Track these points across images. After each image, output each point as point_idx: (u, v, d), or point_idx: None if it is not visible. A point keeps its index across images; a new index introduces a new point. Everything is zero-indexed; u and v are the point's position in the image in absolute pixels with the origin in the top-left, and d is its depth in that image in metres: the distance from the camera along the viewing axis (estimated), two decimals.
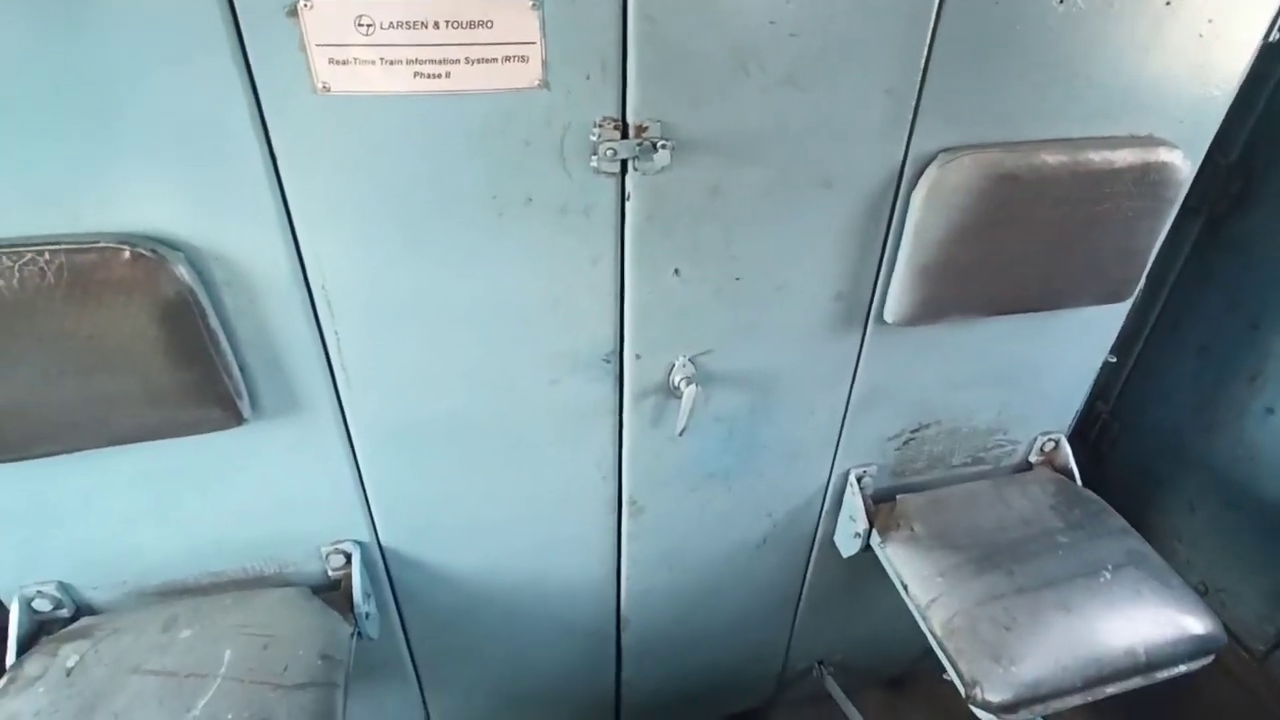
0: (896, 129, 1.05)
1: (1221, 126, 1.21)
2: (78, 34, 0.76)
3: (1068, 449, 1.54)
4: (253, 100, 0.84)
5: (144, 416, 0.98)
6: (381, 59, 0.84)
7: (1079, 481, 1.53)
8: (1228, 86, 1.17)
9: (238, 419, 1.01)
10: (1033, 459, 1.57)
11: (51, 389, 0.94)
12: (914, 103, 1.03)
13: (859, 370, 1.28)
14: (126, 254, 0.87)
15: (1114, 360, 1.50)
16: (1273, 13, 1.12)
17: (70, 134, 0.82)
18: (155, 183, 0.86)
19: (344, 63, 0.83)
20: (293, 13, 0.80)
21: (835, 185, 1.07)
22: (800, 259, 1.12)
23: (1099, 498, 1.49)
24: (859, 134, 1.03)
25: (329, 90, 0.85)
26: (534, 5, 0.84)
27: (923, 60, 1.00)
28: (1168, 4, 1.05)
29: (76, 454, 0.99)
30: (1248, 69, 1.16)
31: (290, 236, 0.93)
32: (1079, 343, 1.43)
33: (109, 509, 1.09)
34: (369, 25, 0.82)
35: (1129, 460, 2.04)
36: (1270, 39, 1.15)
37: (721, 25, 0.90)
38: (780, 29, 0.92)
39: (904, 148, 1.07)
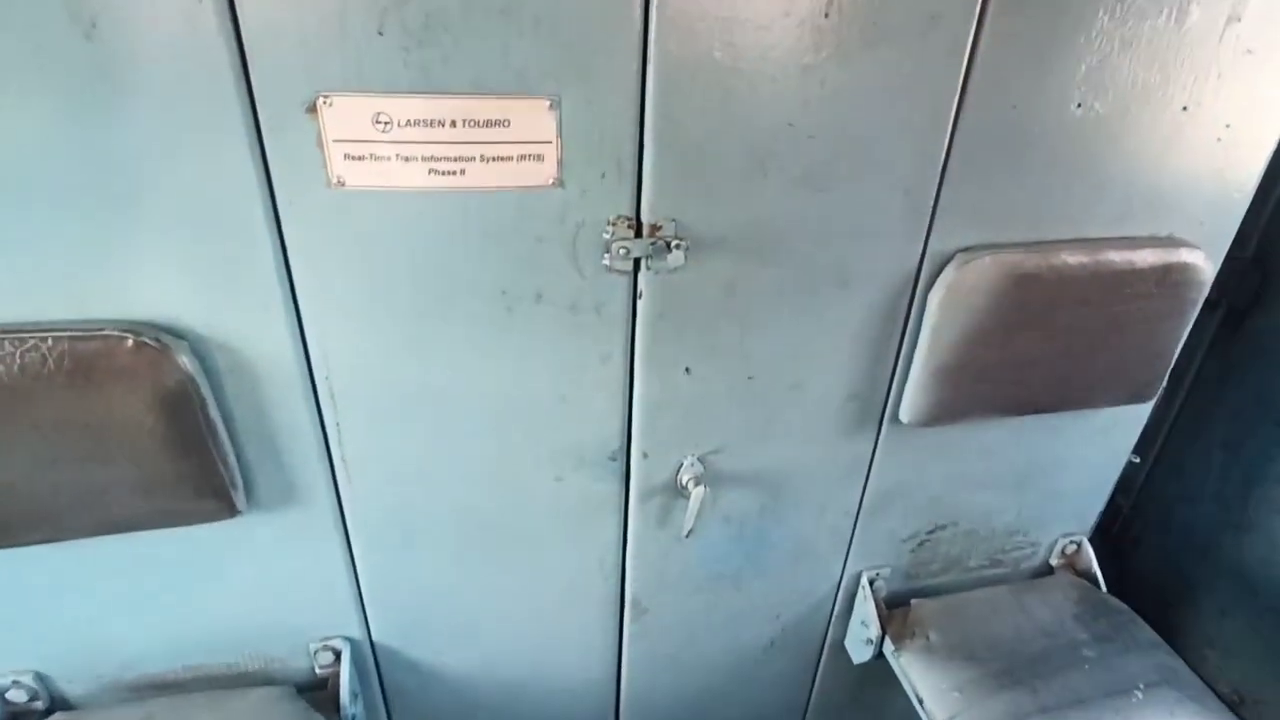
0: (914, 229, 1.04)
1: None
2: (104, 120, 0.77)
3: (1090, 552, 1.47)
4: (267, 192, 0.84)
5: (136, 506, 0.95)
6: (397, 155, 0.83)
7: (1103, 587, 1.46)
8: (1247, 188, 1.17)
9: (231, 511, 0.97)
10: (1054, 562, 1.50)
11: (43, 476, 0.91)
12: (932, 203, 1.02)
13: (873, 470, 1.24)
14: (130, 342, 0.85)
15: (1137, 461, 1.45)
16: None
17: (86, 220, 0.81)
18: (165, 270, 0.86)
19: (360, 158, 0.83)
20: (312, 109, 0.80)
21: (852, 284, 1.05)
22: (815, 358, 1.09)
23: (1127, 607, 1.42)
24: (876, 234, 1.02)
25: (343, 185, 0.84)
26: (551, 106, 0.84)
27: (941, 161, 1.00)
28: (1185, 109, 1.05)
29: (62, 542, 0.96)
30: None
31: (296, 326, 0.91)
32: (1100, 443, 1.38)
33: (91, 598, 1.05)
34: (387, 123, 0.82)
35: (1154, 560, 1.96)
36: None
37: (740, 126, 0.90)
38: (798, 130, 0.92)
39: (922, 247, 1.06)
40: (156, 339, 0.86)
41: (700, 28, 0.83)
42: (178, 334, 0.88)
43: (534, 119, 0.84)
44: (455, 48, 0.79)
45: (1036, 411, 1.25)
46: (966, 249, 1.07)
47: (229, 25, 0.75)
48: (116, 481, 0.93)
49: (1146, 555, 1.97)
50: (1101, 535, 1.92)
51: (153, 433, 0.90)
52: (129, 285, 0.85)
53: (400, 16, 0.77)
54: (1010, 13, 0.91)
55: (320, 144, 0.82)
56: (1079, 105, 1.01)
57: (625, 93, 0.85)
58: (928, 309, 1.10)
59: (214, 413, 0.91)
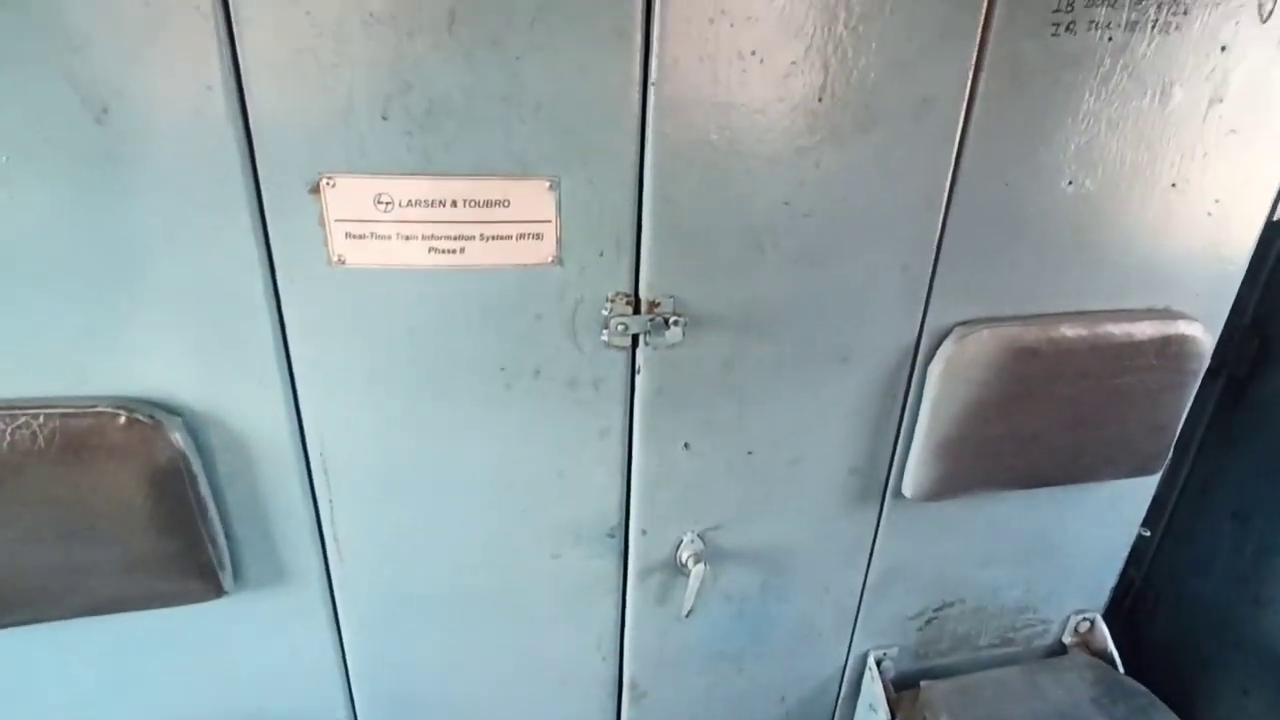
0: (912, 303, 1.04)
1: None
2: (110, 202, 0.78)
3: (1105, 630, 1.43)
4: (268, 270, 0.84)
5: (119, 587, 0.92)
6: (398, 234, 0.84)
7: (1120, 667, 1.41)
8: (1240, 260, 1.18)
9: (217, 591, 0.94)
10: (1067, 640, 1.45)
11: (26, 555, 0.89)
12: (929, 278, 1.03)
13: (876, 546, 1.21)
14: (123, 419, 0.84)
15: (1147, 534, 1.43)
16: (1274, 193, 1.14)
17: (87, 299, 0.82)
18: (163, 347, 0.85)
19: (361, 237, 0.84)
20: (315, 189, 0.81)
21: (851, 359, 1.05)
22: (815, 432, 1.08)
23: (1145, 689, 1.36)
24: (874, 309, 1.03)
25: (344, 263, 0.85)
26: (551, 186, 0.85)
27: (937, 237, 1.01)
28: (1174, 186, 1.07)
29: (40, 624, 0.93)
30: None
31: (292, 402, 0.91)
32: (1108, 517, 1.35)
33: (69, 683, 1.01)
34: (388, 203, 0.83)
35: (1171, 635, 1.90)
36: (1275, 219, 1.17)
37: (737, 206, 0.91)
38: (795, 209, 0.93)
39: (920, 322, 1.06)
40: (150, 415, 0.85)
41: (697, 112, 0.85)
42: (172, 410, 0.88)
43: (534, 199, 0.85)
44: (457, 132, 0.81)
45: (1041, 485, 1.23)
46: (965, 323, 1.08)
47: (237, 111, 0.77)
48: (100, 561, 0.90)
49: (1162, 630, 1.91)
50: (1114, 609, 1.87)
51: (141, 510, 0.88)
52: (126, 362, 0.85)
53: (404, 103, 0.79)
54: (999, 96, 0.94)
55: (322, 223, 0.83)
56: (1070, 183, 1.02)
57: (624, 174, 0.86)
58: (927, 382, 1.09)
59: (204, 490, 0.90)
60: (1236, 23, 0.99)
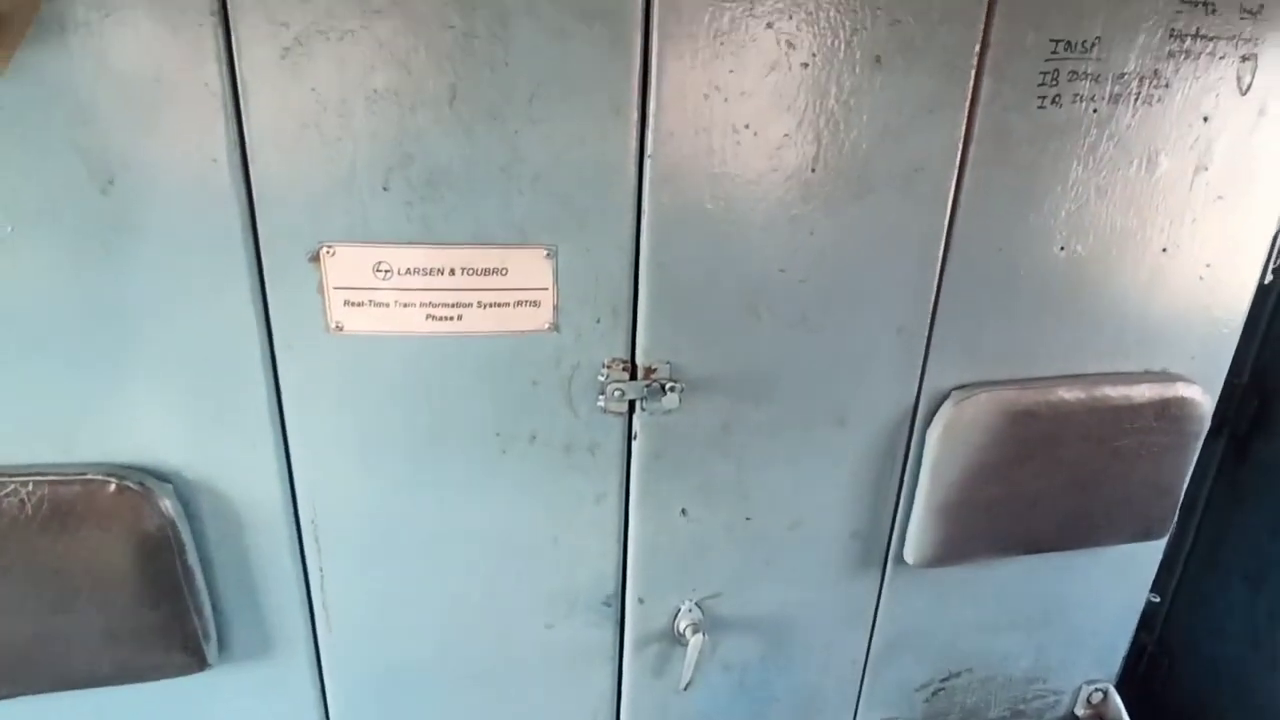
0: (909, 367, 1.04)
1: None
2: (111, 270, 0.79)
3: (1118, 702, 1.38)
4: (265, 336, 0.84)
5: (101, 661, 0.90)
6: (396, 301, 0.85)
7: None
8: (1234, 322, 1.18)
9: (201, 664, 0.92)
10: (1079, 712, 1.40)
11: (6, 626, 0.87)
12: (925, 342, 1.03)
13: (879, 614, 1.18)
14: (112, 486, 0.84)
15: (1157, 599, 1.39)
16: (1264, 256, 1.15)
17: (82, 365, 0.82)
18: (156, 413, 0.85)
19: (359, 304, 0.85)
20: (315, 258, 0.82)
21: (849, 423, 1.04)
22: (815, 497, 1.07)
23: None
24: (871, 372, 1.03)
25: (341, 330, 0.85)
26: (548, 254, 0.86)
27: (932, 301, 1.01)
28: (1164, 250, 1.08)
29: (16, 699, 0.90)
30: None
31: (285, 468, 0.90)
32: (1117, 582, 1.33)
33: None
34: (387, 271, 0.84)
35: (1186, 702, 1.83)
36: (1265, 282, 1.18)
37: (732, 272, 0.92)
38: (790, 274, 0.94)
39: (917, 385, 1.06)
40: (140, 482, 0.84)
41: (692, 182, 0.86)
42: (163, 476, 0.87)
43: (531, 267, 0.86)
44: (457, 202, 0.82)
45: (1046, 549, 1.21)
46: (962, 386, 1.07)
47: (241, 182, 0.79)
48: (82, 633, 0.88)
49: (1178, 697, 1.85)
50: (1128, 676, 1.81)
51: (127, 580, 0.87)
52: (118, 428, 0.85)
53: (405, 174, 0.81)
54: (988, 164, 0.96)
55: (321, 290, 0.83)
56: (1062, 248, 1.04)
57: (620, 241, 0.87)
58: (927, 446, 1.08)
59: (192, 559, 0.88)
60: (1216, 95, 1.02)
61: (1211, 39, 1.00)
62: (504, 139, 0.81)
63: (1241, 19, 1.00)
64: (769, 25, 0.82)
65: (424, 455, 0.92)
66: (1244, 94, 1.04)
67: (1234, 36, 1.00)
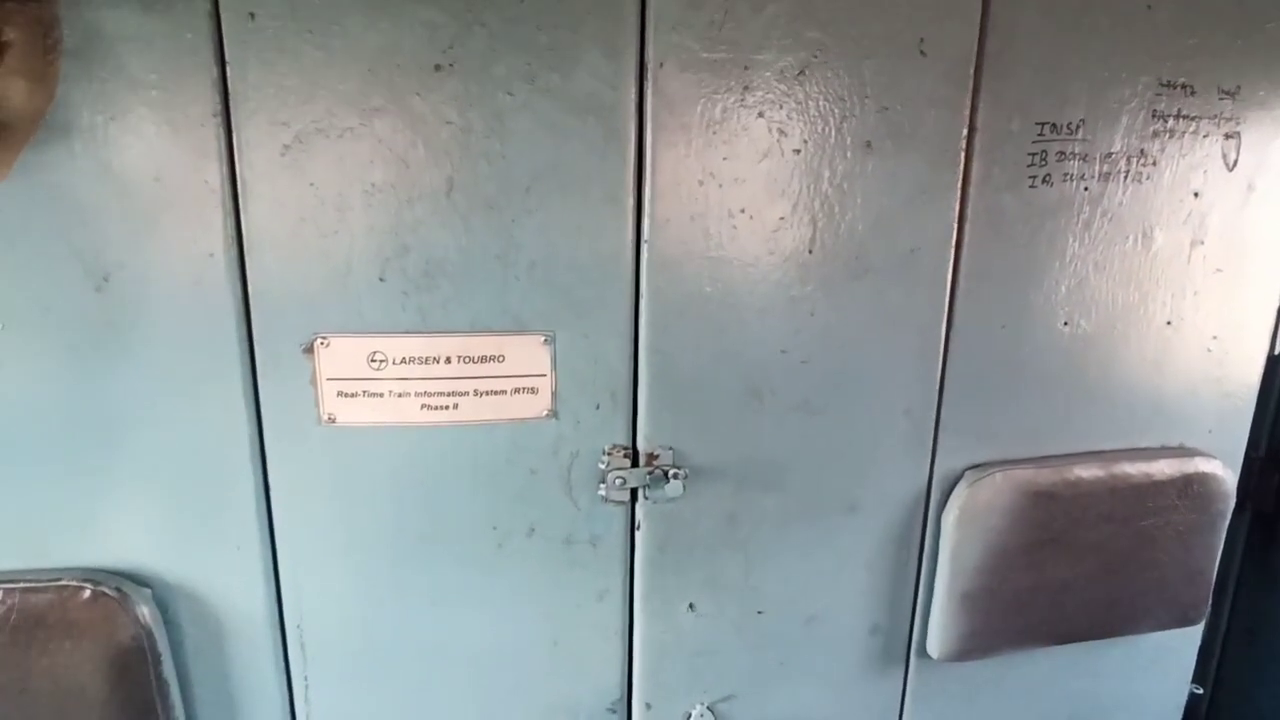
0: (919, 448, 1.01)
1: None
2: (102, 369, 0.78)
3: None
4: (255, 430, 0.82)
5: None
6: (391, 392, 0.83)
7: None
8: (1246, 395, 1.16)
9: None
10: None
11: None
12: (934, 422, 1.01)
13: (904, 715, 1.10)
14: (87, 593, 0.79)
15: (1200, 691, 1.31)
16: (1271, 326, 1.14)
17: (65, 467, 0.80)
18: (138, 514, 0.82)
19: (353, 395, 0.83)
20: (309, 349, 0.81)
21: (860, 508, 1.00)
22: (829, 588, 1.02)
23: None
24: (880, 455, 1.00)
25: (334, 421, 0.83)
26: (546, 341, 0.85)
27: (938, 381, 0.99)
28: (1169, 323, 1.07)
29: None
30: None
31: (271, 569, 0.86)
32: (1155, 674, 1.24)
33: None
34: (382, 361, 0.82)
35: None
36: (1276, 353, 1.16)
37: (733, 355, 0.91)
38: (792, 356, 0.93)
39: (929, 467, 1.02)
40: (117, 588, 0.80)
41: (690, 267, 0.86)
42: (142, 581, 0.83)
43: (528, 354, 0.85)
44: (453, 292, 0.82)
45: (1077, 640, 1.14)
46: (976, 466, 1.04)
47: (237, 277, 0.78)
48: None
49: None
50: None
51: (97, 697, 0.81)
52: (97, 530, 0.82)
53: (401, 265, 0.81)
54: (985, 244, 0.96)
55: (314, 382, 0.82)
56: (1066, 323, 1.03)
57: (619, 327, 0.86)
58: (943, 531, 1.04)
59: (168, 671, 0.83)
60: (1205, 171, 1.03)
61: (1194, 119, 1.02)
62: (500, 229, 0.81)
63: (1221, 99, 1.02)
64: (760, 114, 0.84)
65: (417, 554, 0.87)
66: (1231, 170, 1.06)
67: (1216, 116, 1.02)
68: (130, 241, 0.75)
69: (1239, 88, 1.02)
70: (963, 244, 0.96)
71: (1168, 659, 1.25)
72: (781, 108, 0.85)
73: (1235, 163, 1.07)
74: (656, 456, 0.90)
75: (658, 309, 0.87)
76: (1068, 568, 1.08)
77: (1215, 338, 1.11)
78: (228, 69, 0.74)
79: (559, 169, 0.81)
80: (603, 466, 0.89)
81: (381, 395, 0.83)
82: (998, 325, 1.00)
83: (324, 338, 0.81)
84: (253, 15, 0.73)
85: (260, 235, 0.78)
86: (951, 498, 1.03)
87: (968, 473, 1.04)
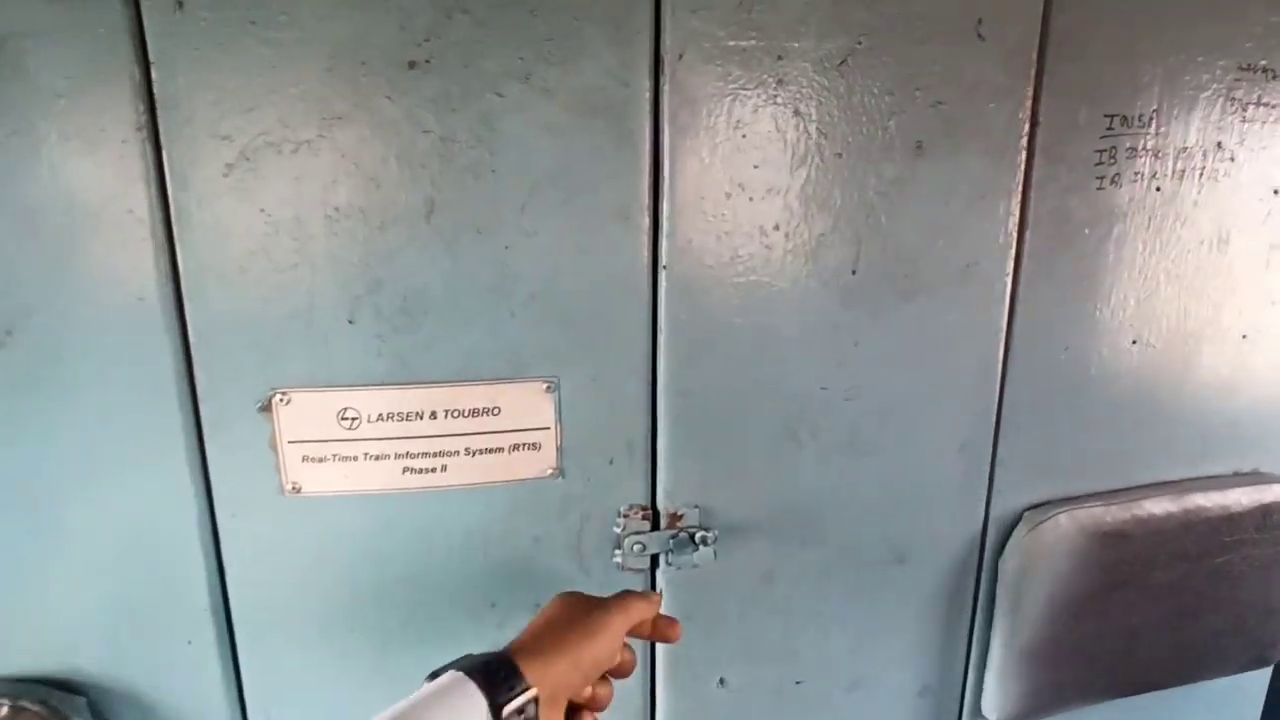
0: (974, 488, 0.89)
1: None
2: (9, 440, 0.64)
3: None
4: (205, 506, 0.69)
5: None
6: (366, 454, 0.70)
7: None
8: None
9: None
10: None
11: None
12: (990, 457, 0.89)
13: None
14: (4, 710, 0.66)
15: None
16: None
17: None
18: (68, 610, 0.69)
19: (321, 460, 0.69)
20: (266, 407, 0.68)
21: (909, 559, 0.88)
22: (875, 650, 0.90)
23: None
24: (931, 497, 0.87)
25: (299, 491, 0.70)
26: (549, 388, 0.72)
27: (995, 412, 0.87)
28: (1244, 337, 0.96)
29: None
30: None
31: (231, 665, 0.73)
32: (1226, 715, 1.14)
33: None
34: (354, 418, 0.69)
35: None
36: None
37: (766, 394, 0.78)
38: (834, 392, 0.80)
39: (984, 508, 0.90)
40: (42, 701, 0.67)
41: (715, 295, 0.73)
42: (75, 689, 0.69)
43: (529, 404, 0.72)
44: (437, 332, 0.69)
45: (1147, 690, 1.02)
46: (1036, 505, 0.92)
47: (175, 323, 0.65)
48: None
49: None
50: None
51: None
52: (19, 633, 0.68)
53: (375, 302, 0.67)
54: (1048, 254, 0.84)
55: (274, 445, 0.69)
56: (1135, 341, 0.91)
57: (635, 368, 0.73)
58: (1001, 579, 0.92)
59: None
60: None
61: (1274, 106, 0.90)
62: (492, 256, 0.68)
63: None
64: (796, 112, 0.71)
65: (402, 639, 0.74)
66: None
67: None
68: (38, 286, 0.61)
69: None
70: (1023, 256, 0.83)
71: (1240, 700, 1.14)
72: (821, 104, 0.72)
73: None
74: (680, 516, 0.77)
75: (679, 344, 0.74)
76: (1138, 613, 0.96)
77: None
78: (152, 71, 0.60)
79: (561, 183, 0.68)
80: (618, 530, 0.76)
81: (355, 459, 0.70)
82: (1060, 347, 0.88)
83: (284, 393, 0.67)
84: (180, 3, 0.59)
85: (201, 273, 0.64)
86: (1010, 542, 0.91)
87: (1028, 513, 0.92)
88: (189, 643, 0.71)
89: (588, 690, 0.59)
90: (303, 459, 0.69)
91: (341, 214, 0.65)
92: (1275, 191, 0.92)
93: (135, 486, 0.67)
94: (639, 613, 0.62)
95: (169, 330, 0.65)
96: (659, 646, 0.82)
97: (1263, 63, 0.88)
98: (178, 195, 0.62)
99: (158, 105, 0.61)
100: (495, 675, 0.52)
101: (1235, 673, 1.07)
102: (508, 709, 0.50)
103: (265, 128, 0.62)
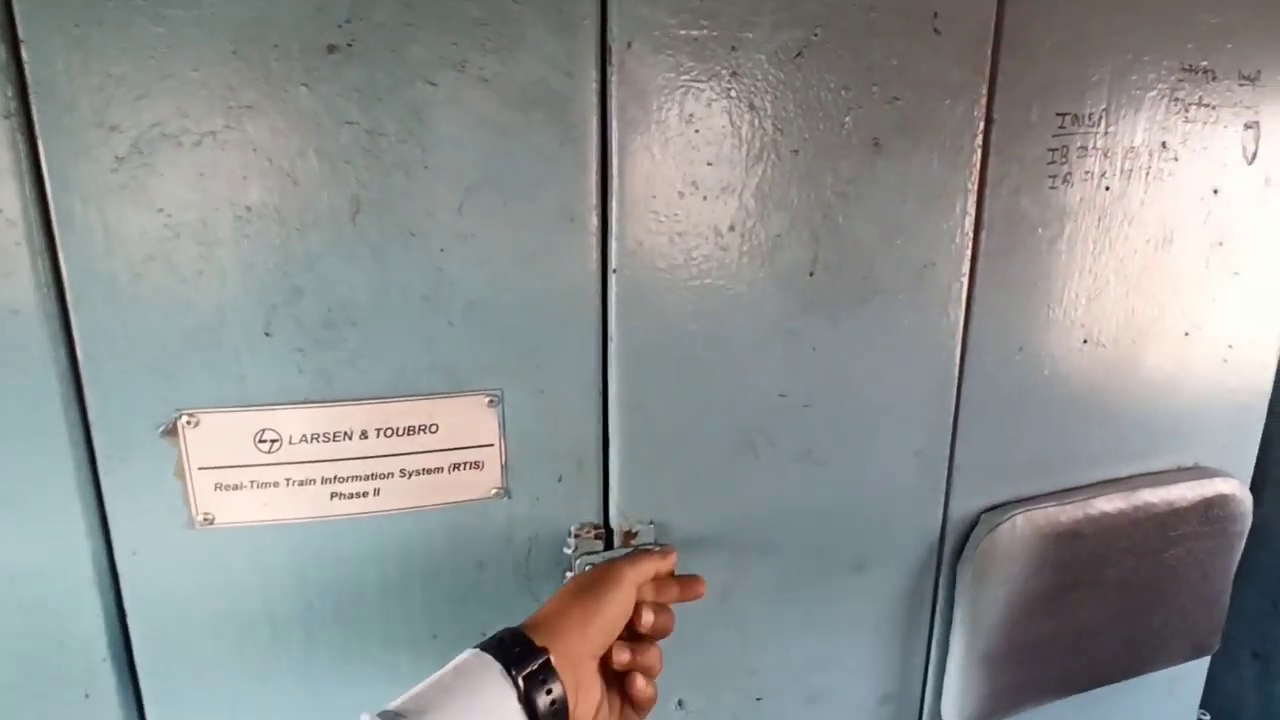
0: (931, 493, 0.87)
1: None
2: None
3: None
4: (101, 545, 0.61)
5: None
6: (288, 480, 0.63)
7: None
8: (1259, 407, 1.07)
9: None
10: None
11: None
12: (947, 461, 0.87)
13: None
14: None
15: (1206, 717, 1.23)
16: None
17: None
18: None
19: (236, 488, 0.62)
20: (170, 431, 0.60)
21: (867, 567, 0.86)
22: (835, 661, 0.87)
23: None
24: (889, 504, 0.85)
25: (212, 523, 0.63)
26: (492, 402, 0.67)
27: (952, 414, 0.86)
28: (1186, 334, 0.97)
29: None
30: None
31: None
32: (1168, 708, 1.16)
33: None
34: (274, 441, 0.62)
35: None
36: None
37: (723, 404, 0.74)
38: (791, 400, 0.77)
39: (942, 512, 0.89)
40: None
41: (668, 300, 0.69)
42: None
43: (469, 420, 0.66)
44: (366, 346, 0.62)
45: (1098, 686, 1.03)
46: (993, 507, 0.91)
47: (59, 339, 0.57)
48: None
49: None
50: None
51: None
52: None
53: (294, 312, 0.61)
54: (1002, 254, 0.82)
55: (181, 474, 0.61)
56: (1085, 340, 0.91)
57: (583, 379, 0.69)
58: (960, 584, 0.91)
59: None
60: (1224, 165, 0.92)
61: (1214, 107, 0.91)
62: (426, 261, 0.62)
63: (1241, 85, 0.91)
64: (751, 106, 0.67)
65: (334, 680, 0.68)
66: (1251, 163, 0.95)
67: (1235, 104, 0.91)
68: None
69: (1259, 72, 0.92)
70: (979, 256, 0.82)
71: (1178, 687, 1.16)
72: (777, 98, 0.68)
73: (1254, 155, 0.96)
74: (635, 534, 0.72)
75: (630, 354, 0.69)
76: (1089, 612, 0.97)
77: (1231, 346, 1.01)
78: (23, 51, 0.52)
79: (500, 181, 0.63)
80: (569, 552, 0.71)
81: (276, 485, 0.63)
82: (1015, 347, 0.87)
83: (191, 414, 0.60)
84: None
85: (89, 282, 0.56)
86: (967, 547, 0.90)
87: (984, 516, 0.91)
88: (86, 696, 0.63)
89: (624, 655, 0.60)
90: (215, 487, 0.62)
91: (254, 215, 0.58)
92: (1215, 191, 0.93)
93: (19, 527, 0.59)
94: (651, 565, 0.65)
95: (52, 348, 0.57)
96: None
97: (1204, 63, 0.88)
98: (58, 193, 0.55)
99: (30, 90, 0.53)
100: (509, 648, 0.54)
101: (1177, 664, 1.09)
102: (523, 675, 0.52)
103: (161, 117, 0.55)
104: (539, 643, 0.54)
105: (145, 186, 0.56)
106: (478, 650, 0.54)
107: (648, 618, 0.62)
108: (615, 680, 0.61)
